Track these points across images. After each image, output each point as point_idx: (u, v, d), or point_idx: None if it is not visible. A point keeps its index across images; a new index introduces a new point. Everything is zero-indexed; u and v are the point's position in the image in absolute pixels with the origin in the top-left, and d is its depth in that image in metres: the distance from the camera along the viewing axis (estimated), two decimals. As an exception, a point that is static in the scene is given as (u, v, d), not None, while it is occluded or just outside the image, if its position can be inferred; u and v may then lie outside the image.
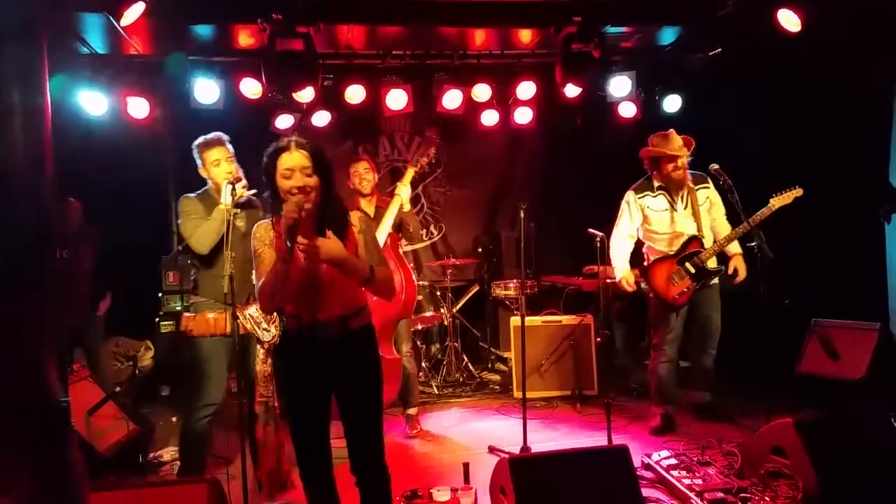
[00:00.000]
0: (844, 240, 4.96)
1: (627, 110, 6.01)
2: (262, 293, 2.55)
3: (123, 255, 5.44)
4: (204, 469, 3.64)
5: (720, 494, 3.18)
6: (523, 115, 6.23)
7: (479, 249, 7.05)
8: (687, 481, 3.36)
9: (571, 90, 5.47)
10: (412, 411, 4.85)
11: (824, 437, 3.18)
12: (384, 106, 5.70)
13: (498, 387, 6.01)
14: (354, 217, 2.71)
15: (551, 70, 5.42)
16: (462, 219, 7.41)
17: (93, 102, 5.25)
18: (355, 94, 5.68)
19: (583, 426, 4.82)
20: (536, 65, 5.90)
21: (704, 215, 4.58)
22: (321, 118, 5.93)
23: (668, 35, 5.69)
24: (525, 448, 4.03)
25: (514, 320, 5.60)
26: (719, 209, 4.68)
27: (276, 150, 2.54)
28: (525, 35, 5.55)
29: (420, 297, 5.81)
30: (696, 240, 4.50)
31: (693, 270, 4.45)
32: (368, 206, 4.70)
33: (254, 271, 2.68)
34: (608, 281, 4.95)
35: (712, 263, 4.49)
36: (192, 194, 3.67)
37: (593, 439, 4.44)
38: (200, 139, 3.65)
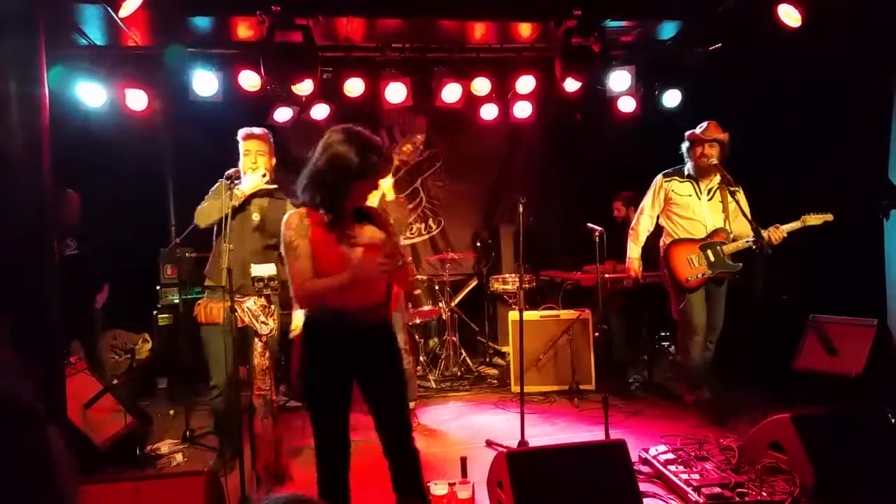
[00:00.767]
0: (843, 236, 4.95)
1: (627, 105, 6.00)
2: (315, 295, 2.57)
3: (121, 247, 5.44)
4: (235, 445, 3.72)
5: (717, 489, 3.18)
6: (523, 109, 6.22)
7: (478, 244, 7.04)
8: (684, 476, 3.36)
9: (571, 84, 5.47)
10: (410, 405, 4.85)
11: (821, 432, 3.18)
12: (383, 99, 5.68)
13: (496, 381, 6.00)
14: (379, 208, 2.86)
15: (551, 64, 5.42)
16: (461, 213, 7.41)
17: (91, 94, 5.23)
18: (354, 86, 5.67)
19: (580, 420, 4.82)
20: (536, 59, 5.88)
21: (732, 213, 4.64)
22: (320, 111, 5.90)
23: (668, 29, 5.68)
24: (522, 442, 4.03)
25: (513, 315, 5.59)
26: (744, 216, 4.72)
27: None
28: (525, 29, 5.53)
29: (418, 291, 5.81)
30: (722, 231, 4.63)
31: (712, 259, 4.57)
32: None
33: (287, 262, 2.61)
34: (606, 276, 4.95)
35: (730, 260, 4.56)
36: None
37: (591, 434, 4.44)
38: (244, 129, 3.86)
